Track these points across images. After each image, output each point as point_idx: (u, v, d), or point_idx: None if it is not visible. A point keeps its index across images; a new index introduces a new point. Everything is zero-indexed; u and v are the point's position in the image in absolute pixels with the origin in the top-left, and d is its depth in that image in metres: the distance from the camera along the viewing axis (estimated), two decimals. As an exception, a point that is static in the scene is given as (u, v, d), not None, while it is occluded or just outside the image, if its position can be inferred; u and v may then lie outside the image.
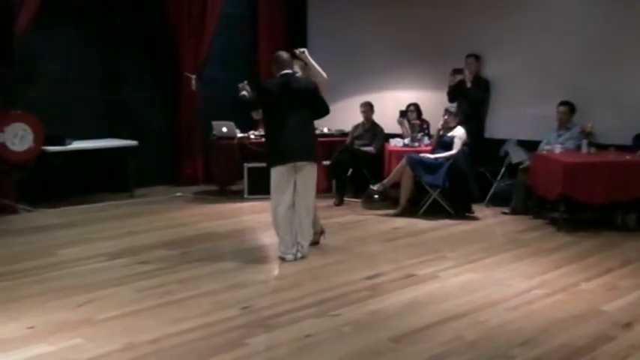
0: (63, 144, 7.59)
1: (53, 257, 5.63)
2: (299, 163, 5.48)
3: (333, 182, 8.16)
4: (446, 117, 7.43)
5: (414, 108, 8.22)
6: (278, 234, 5.61)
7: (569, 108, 7.15)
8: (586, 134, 7.08)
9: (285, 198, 5.49)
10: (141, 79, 8.81)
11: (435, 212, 7.19)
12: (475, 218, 7.13)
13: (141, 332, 3.99)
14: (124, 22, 8.52)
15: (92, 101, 8.30)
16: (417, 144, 7.83)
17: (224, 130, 8.33)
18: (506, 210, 7.26)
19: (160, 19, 8.77)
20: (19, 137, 7.20)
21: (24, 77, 7.50)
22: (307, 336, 3.96)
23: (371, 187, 7.49)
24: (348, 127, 8.59)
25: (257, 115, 5.76)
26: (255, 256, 5.72)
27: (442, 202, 7.22)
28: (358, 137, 8.30)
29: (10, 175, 7.31)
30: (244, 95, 5.76)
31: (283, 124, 5.46)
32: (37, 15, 7.30)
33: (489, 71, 7.99)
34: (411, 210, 7.30)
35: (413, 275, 5.14)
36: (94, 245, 6.00)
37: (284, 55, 5.68)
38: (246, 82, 5.91)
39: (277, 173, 5.49)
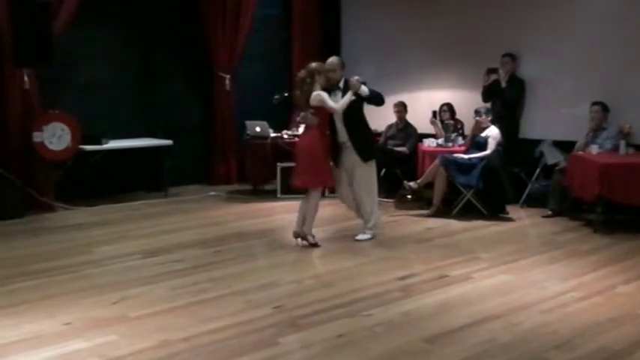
0: (99, 143, 7.71)
1: (89, 255, 5.73)
2: None
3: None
4: (477, 118, 7.36)
5: (447, 108, 8.16)
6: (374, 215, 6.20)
7: (602, 107, 7.01)
8: (624, 135, 6.94)
9: None
10: (176, 79, 8.91)
11: (468, 213, 7.12)
12: (509, 219, 7.04)
13: (174, 330, 4.03)
14: (160, 22, 8.62)
15: (128, 101, 8.42)
16: (450, 144, 7.76)
17: (257, 129, 8.37)
18: (548, 213, 7.11)
19: (195, 20, 8.85)
20: (57, 136, 7.33)
21: (62, 77, 7.63)
22: (339, 336, 3.96)
23: (405, 182, 7.43)
24: (381, 127, 8.55)
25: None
26: (287, 256, 5.74)
27: (476, 203, 7.15)
28: (391, 137, 8.27)
29: (49, 173, 7.45)
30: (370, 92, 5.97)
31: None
32: (75, 16, 7.43)
33: (525, 71, 7.88)
34: (445, 210, 7.24)
35: (446, 276, 5.10)
36: (129, 243, 6.09)
37: None
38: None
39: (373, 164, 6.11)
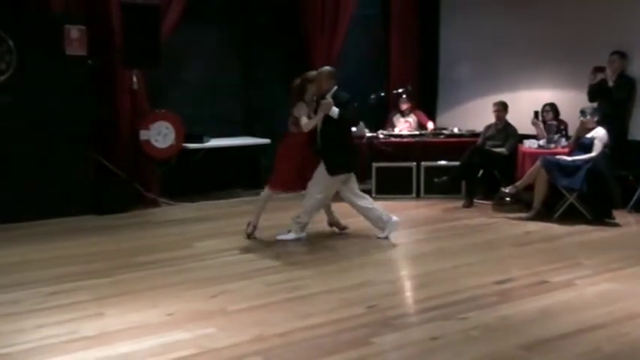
0: (201, 141, 7.98)
1: (190, 249, 5.94)
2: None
3: (463, 183, 8.00)
4: (582, 119, 7.06)
5: (550, 108, 7.87)
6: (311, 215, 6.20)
7: None
8: None
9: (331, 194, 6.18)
10: (274, 80, 9.05)
11: (571, 217, 6.85)
12: (616, 225, 6.71)
13: (270, 325, 4.11)
14: (260, 24, 8.80)
15: (228, 101, 8.64)
16: (553, 145, 7.49)
17: (353, 129, 8.36)
18: None
19: (294, 20, 8.98)
20: (162, 135, 7.65)
21: (167, 77, 7.94)
22: (433, 338, 3.91)
23: (502, 189, 7.26)
24: (479, 128, 8.37)
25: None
26: (382, 255, 5.74)
27: (579, 207, 6.87)
28: (490, 138, 8.07)
29: (154, 170, 7.79)
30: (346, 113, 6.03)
31: (348, 137, 6.24)
32: (181, 18, 7.72)
33: (636, 70, 7.48)
34: (545, 214, 7.00)
35: (546, 282, 4.93)
36: (227, 239, 6.26)
37: None
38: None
39: (338, 179, 6.08)
